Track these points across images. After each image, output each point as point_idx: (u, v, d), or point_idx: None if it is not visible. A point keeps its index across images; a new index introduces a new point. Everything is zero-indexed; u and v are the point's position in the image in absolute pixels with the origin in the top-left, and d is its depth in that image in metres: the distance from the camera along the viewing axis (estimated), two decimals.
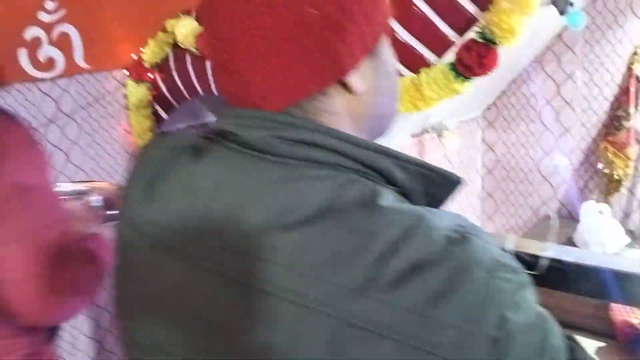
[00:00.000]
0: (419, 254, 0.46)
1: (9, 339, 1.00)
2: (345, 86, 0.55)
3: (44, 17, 1.79)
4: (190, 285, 0.52)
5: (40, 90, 1.81)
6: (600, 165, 2.20)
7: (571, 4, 1.35)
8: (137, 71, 1.98)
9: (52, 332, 1.11)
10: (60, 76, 1.83)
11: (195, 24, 1.74)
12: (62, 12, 1.83)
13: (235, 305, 0.49)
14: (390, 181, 0.53)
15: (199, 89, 1.86)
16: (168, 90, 1.97)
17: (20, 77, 1.77)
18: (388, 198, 0.50)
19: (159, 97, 2.00)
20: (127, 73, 2.01)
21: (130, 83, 1.99)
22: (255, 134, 0.53)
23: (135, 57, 1.99)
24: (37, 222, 0.91)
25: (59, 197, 0.99)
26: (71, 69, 1.85)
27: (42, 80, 1.79)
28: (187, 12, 1.82)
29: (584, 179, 2.32)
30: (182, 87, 1.91)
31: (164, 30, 1.88)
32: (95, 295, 1.04)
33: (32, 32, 1.79)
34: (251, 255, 0.49)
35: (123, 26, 2.06)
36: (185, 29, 1.74)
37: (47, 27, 1.80)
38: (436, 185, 0.55)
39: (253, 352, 0.48)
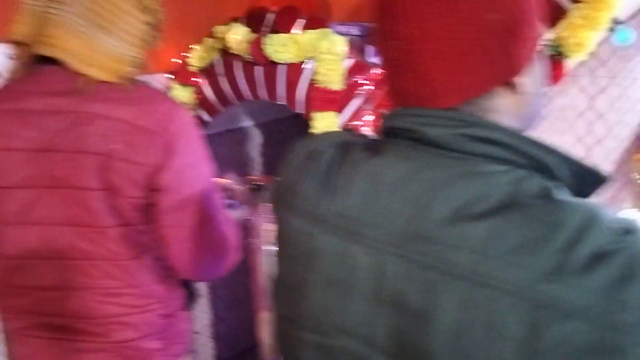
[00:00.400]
0: (601, 242, 0.50)
1: (149, 298, 1.13)
2: (511, 85, 0.58)
3: None
4: (378, 269, 0.56)
5: None
6: (635, 176, 2.24)
7: (620, 22, 1.39)
8: (183, 75, 2.01)
9: (189, 299, 1.25)
10: None
11: (248, 31, 1.78)
12: None
13: (427, 289, 0.53)
14: (554, 176, 0.56)
15: (246, 94, 1.89)
16: (213, 94, 2.00)
17: None
18: (561, 192, 0.53)
19: (203, 101, 2.03)
20: (173, 77, 2.04)
21: (177, 86, 2.02)
22: (437, 131, 0.56)
23: (180, 61, 2.02)
24: (201, 192, 1.08)
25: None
26: None
27: None
28: (237, 19, 1.86)
29: (617, 188, 2.35)
30: (228, 92, 1.94)
31: (212, 36, 1.91)
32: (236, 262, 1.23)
33: None
34: (440, 243, 0.52)
35: (165, 32, 2.10)
36: (239, 36, 1.77)
37: None
38: (586, 183, 0.59)
39: (445, 334, 0.51)
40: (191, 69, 2.00)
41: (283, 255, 0.69)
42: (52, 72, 1.03)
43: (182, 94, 2.03)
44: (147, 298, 1.13)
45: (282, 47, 1.67)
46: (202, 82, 2.00)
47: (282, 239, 0.69)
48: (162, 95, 1.12)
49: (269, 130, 2.44)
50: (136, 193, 1.03)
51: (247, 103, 1.99)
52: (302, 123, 2.53)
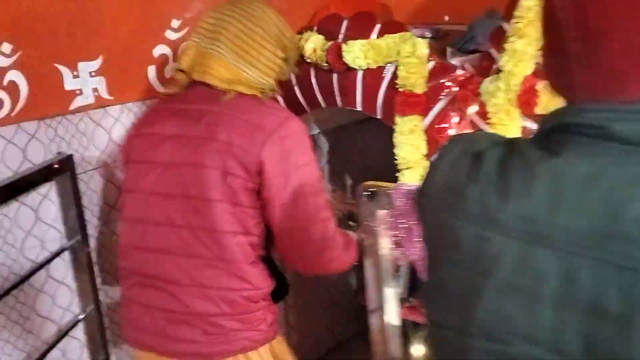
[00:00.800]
0: None
1: (236, 278, 1.25)
2: None
3: (170, 35, 1.85)
4: (568, 273, 0.55)
5: None
6: None
7: None
8: None
9: (277, 293, 1.35)
10: None
11: (322, 38, 1.78)
12: (186, 30, 1.88)
13: (626, 292, 0.51)
14: None
15: (321, 101, 1.90)
16: (285, 102, 2.01)
17: (148, 94, 1.83)
18: None
19: None
20: None
21: None
22: (627, 126, 0.54)
23: None
24: (306, 190, 1.24)
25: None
26: None
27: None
28: (310, 28, 1.86)
29: None
30: (302, 100, 1.95)
31: None
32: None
33: (159, 49, 1.85)
34: (638, 243, 0.50)
35: None
36: (314, 44, 1.78)
37: (173, 45, 1.86)
38: None
39: None
40: None
41: (445, 261, 0.67)
42: (202, 90, 1.33)
43: None
44: (234, 277, 1.24)
45: (362, 53, 1.67)
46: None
47: (444, 244, 0.67)
48: (282, 108, 1.45)
49: (335, 137, 2.44)
50: (245, 175, 1.22)
51: (317, 111, 2.00)
52: (366, 129, 2.55)
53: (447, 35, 1.97)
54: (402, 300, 1.78)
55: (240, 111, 1.26)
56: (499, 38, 1.50)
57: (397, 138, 1.63)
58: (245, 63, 1.29)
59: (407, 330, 1.89)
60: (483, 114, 1.52)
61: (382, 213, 1.33)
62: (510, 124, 1.44)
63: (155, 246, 1.28)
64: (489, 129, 1.53)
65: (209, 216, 1.23)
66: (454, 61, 1.69)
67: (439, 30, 2.00)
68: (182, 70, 1.35)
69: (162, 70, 1.85)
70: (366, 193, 1.39)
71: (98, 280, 1.71)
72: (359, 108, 1.79)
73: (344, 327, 2.59)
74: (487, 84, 1.47)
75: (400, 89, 1.64)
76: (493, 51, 1.54)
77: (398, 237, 1.29)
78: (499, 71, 1.47)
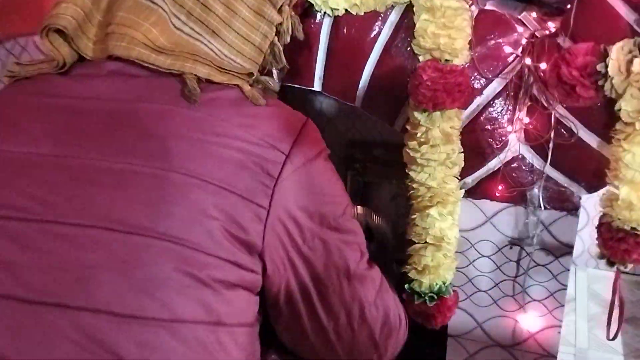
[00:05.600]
0: None
1: None
2: None
3: None
4: None
5: None
6: None
7: None
8: None
9: None
10: None
11: None
12: None
13: None
14: None
15: None
16: None
17: None
18: None
19: None
20: None
21: None
22: None
23: None
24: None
25: None
26: None
27: None
28: None
29: None
30: None
31: None
32: None
33: None
34: None
35: None
36: None
37: None
38: None
39: None
40: None
41: None
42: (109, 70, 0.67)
43: None
44: None
45: None
46: None
47: None
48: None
49: None
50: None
51: None
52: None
53: None
54: None
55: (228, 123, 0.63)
56: None
57: (417, 154, 0.86)
58: (207, 31, 0.66)
59: None
60: (589, 113, 0.81)
61: None
62: None
63: None
64: (597, 141, 0.83)
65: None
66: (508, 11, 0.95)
67: None
68: (60, 32, 0.66)
69: None
70: None
71: None
72: (317, 88, 0.97)
73: None
74: (619, 55, 0.75)
75: (420, 57, 0.86)
76: None
77: None
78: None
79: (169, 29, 0.62)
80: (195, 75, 0.62)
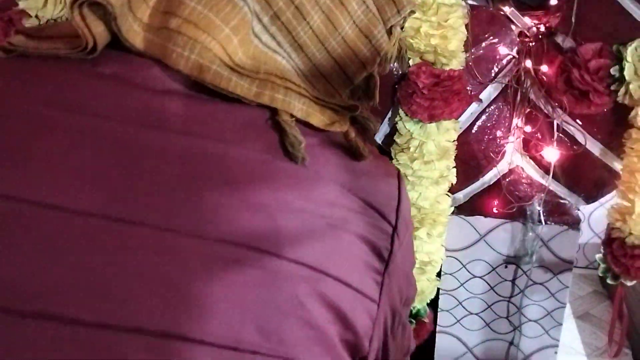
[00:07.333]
0: None
1: None
2: None
3: None
4: None
5: None
6: None
7: None
8: None
9: None
10: None
11: None
12: None
13: None
14: None
15: None
16: None
17: None
18: None
19: None
20: None
21: None
22: None
23: None
24: None
25: None
26: None
27: None
28: None
29: None
30: None
31: None
32: None
33: None
34: None
35: None
36: None
37: None
38: None
39: None
40: None
41: None
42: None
43: None
44: None
45: None
46: None
47: None
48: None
49: None
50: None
51: None
52: None
53: None
54: None
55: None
56: None
57: (409, 171, 0.75)
58: (292, 43, 0.42)
59: None
60: (591, 119, 0.74)
61: None
62: None
63: None
64: (600, 149, 0.76)
65: None
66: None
67: None
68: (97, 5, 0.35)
69: None
70: None
71: None
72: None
73: None
74: (634, 57, 0.68)
75: (409, 61, 0.75)
76: None
77: None
78: None
79: (248, 38, 0.40)
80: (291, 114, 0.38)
